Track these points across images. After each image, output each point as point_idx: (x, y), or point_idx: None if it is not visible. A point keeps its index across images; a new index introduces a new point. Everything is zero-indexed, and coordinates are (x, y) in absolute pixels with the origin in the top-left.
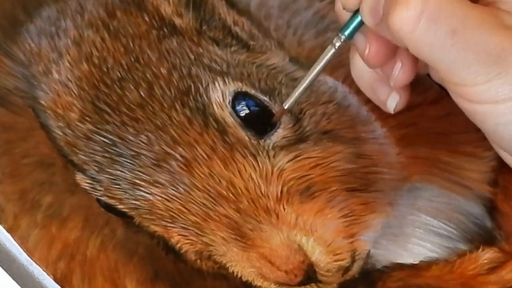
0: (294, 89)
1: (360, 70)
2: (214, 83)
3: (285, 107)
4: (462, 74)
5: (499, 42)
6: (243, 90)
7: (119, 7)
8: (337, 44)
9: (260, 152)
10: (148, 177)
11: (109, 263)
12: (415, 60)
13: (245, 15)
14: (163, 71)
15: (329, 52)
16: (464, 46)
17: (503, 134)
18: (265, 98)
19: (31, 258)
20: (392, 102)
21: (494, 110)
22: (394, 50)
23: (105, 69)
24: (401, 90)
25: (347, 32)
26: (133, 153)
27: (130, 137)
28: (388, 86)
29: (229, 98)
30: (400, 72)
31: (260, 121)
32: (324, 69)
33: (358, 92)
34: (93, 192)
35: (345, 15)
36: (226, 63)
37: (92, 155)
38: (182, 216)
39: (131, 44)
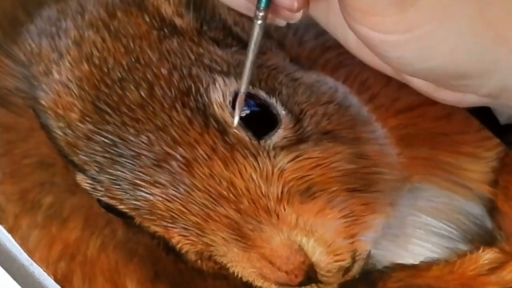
0: (242, 75)
1: None
2: (214, 84)
3: (242, 93)
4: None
5: None
6: None
7: (120, 7)
8: (259, 19)
9: (261, 153)
10: (148, 178)
11: (110, 264)
12: None
13: (245, 15)
14: (164, 71)
15: (256, 31)
16: None
17: (408, 61)
18: (265, 99)
19: (32, 259)
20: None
21: (403, 40)
22: None
23: (105, 70)
24: None
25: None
26: (133, 153)
27: (131, 138)
28: None
29: (229, 98)
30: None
31: (261, 122)
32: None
33: (359, 92)
34: (94, 193)
35: None
36: (227, 64)
37: (92, 156)
38: (182, 216)
39: (132, 45)
